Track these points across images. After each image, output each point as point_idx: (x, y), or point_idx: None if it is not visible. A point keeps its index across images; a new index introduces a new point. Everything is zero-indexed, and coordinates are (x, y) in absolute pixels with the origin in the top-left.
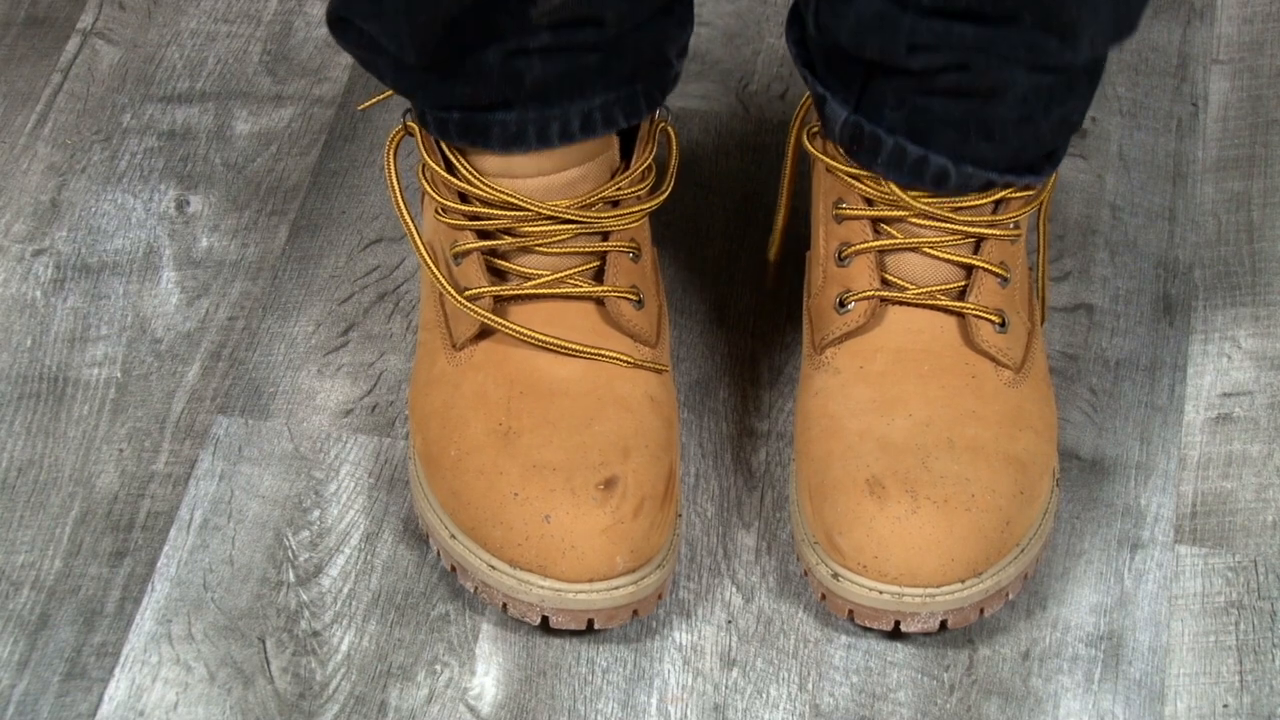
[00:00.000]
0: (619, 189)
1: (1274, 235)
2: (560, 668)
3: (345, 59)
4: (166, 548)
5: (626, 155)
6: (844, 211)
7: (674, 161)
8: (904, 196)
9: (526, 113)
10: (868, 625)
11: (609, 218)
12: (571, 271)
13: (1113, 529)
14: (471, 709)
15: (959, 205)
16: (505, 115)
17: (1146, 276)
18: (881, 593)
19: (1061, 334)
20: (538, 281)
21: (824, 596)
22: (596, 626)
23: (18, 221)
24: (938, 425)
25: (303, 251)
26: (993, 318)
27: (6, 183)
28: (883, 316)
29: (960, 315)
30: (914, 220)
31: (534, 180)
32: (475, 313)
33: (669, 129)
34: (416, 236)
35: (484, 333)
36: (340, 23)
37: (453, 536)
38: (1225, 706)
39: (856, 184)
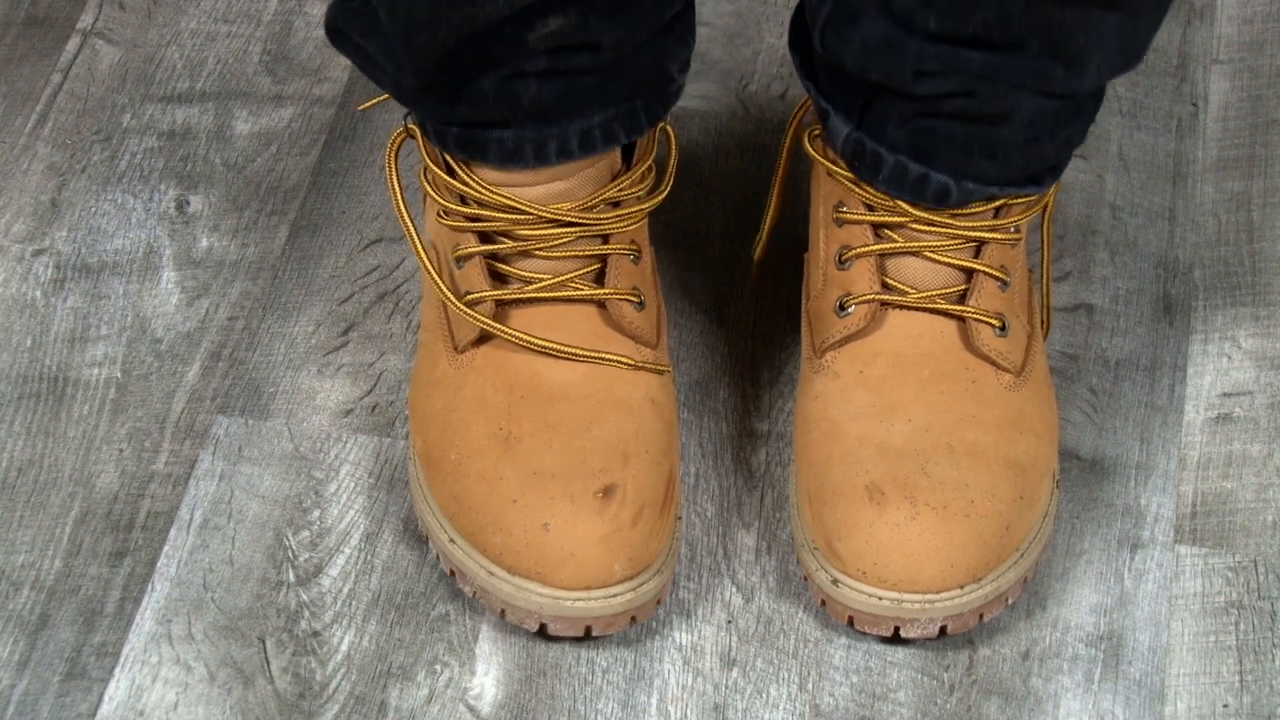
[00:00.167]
0: (620, 190)
1: (1274, 235)
2: (560, 668)
3: (345, 59)
4: (166, 548)
5: (627, 156)
6: (844, 215)
7: (673, 161)
8: (904, 205)
9: (524, 131)
10: (867, 631)
11: (610, 219)
12: (573, 274)
13: (1113, 529)
14: (471, 709)
15: (959, 212)
16: (503, 134)
17: (1146, 276)
18: (881, 599)
19: (1061, 334)
20: (539, 285)
21: (824, 602)
22: (594, 633)
23: (18, 221)
24: (937, 430)
25: (303, 251)
26: (993, 321)
27: (6, 183)
28: (882, 320)
29: (960, 319)
30: (915, 225)
31: (534, 188)
32: (475, 319)
33: (668, 129)
34: (417, 240)
35: (485, 336)
36: (337, 34)
37: (452, 541)
38: (1225, 706)
39: (857, 189)
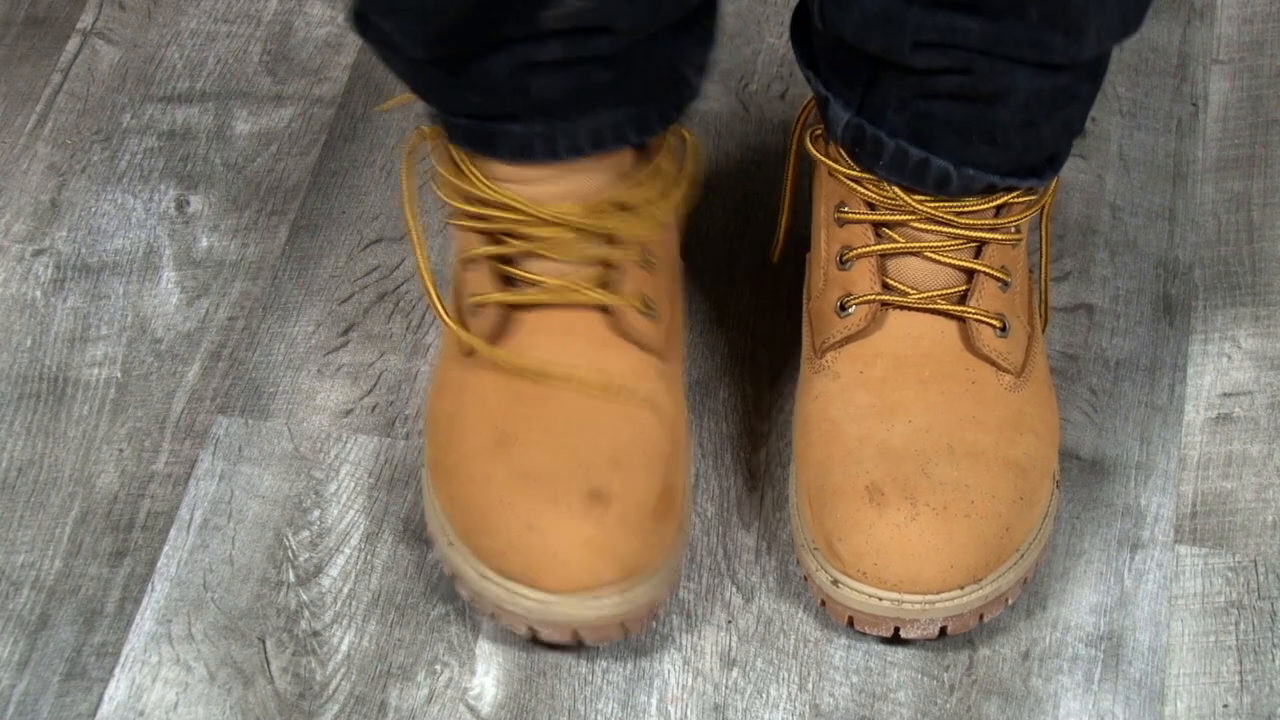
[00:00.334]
0: (628, 193)
1: (1274, 235)
2: (560, 668)
3: (345, 59)
4: (166, 548)
5: (642, 160)
6: (846, 215)
7: (693, 168)
8: (908, 200)
9: (534, 125)
10: (867, 631)
11: (616, 223)
12: (580, 279)
13: (1113, 529)
14: (471, 709)
15: (961, 209)
16: (513, 127)
17: (1146, 276)
18: (881, 599)
19: (1061, 334)
20: (544, 289)
21: (824, 602)
22: (584, 641)
23: (18, 221)
24: (937, 431)
25: (303, 251)
26: (993, 322)
27: (6, 183)
28: (883, 321)
29: (961, 320)
30: (916, 224)
31: (542, 186)
32: (465, 337)
33: (686, 135)
34: (420, 249)
35: (493, 337)
36: (359, 19)
37: (450, 544)
38: (1225, 706)
39: (858, 188)
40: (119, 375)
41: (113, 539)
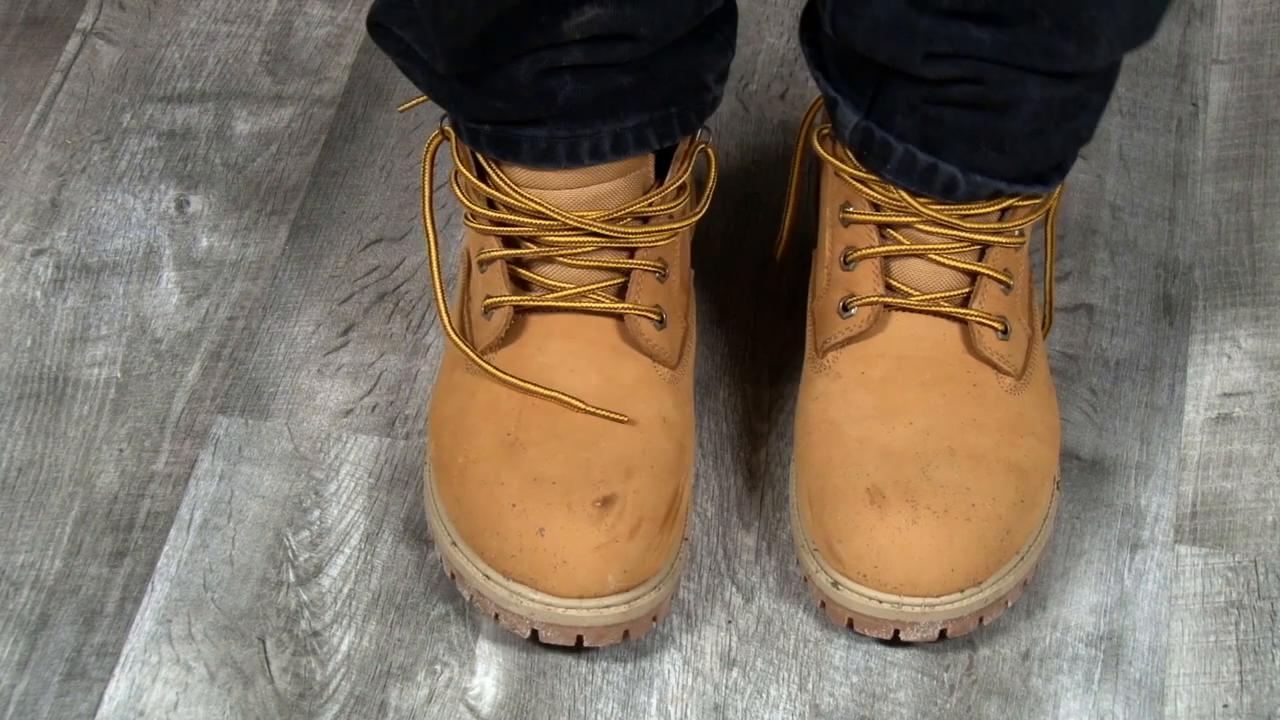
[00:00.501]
0: (650, 205)
1: (1274, 235)
2: (560, 668)
3: (345, 59)
4: (166, 548)
5: (663, 172)
6: (851, 215)
7: (711, 183)
8: (912, 203)
9: (557, 130)
10: (867, 633)
11: (635, 234)
12: (594, 286)
13: (1113, 529)
14: (471, 709)
15: (966, 212)
16: (536, 132)
17: (1146, 276)
18: (881, 602)
19: (1061, 334)
20: (560, 294)
21: (824, 604)
22: (586, 644)
23: (18, 221)
24: (938, 433)
25: (303, 251)
26: (995, 325)
27: (6, 183)
28: (886, 322)
29: (963, 322)
30: (920, 226)
31: (564, 192)
32: (467, 353)
33: (709, 150)
34: (436, 258)
35: (503, 341)
36: (379, 29)
37: (454, 544)
38: (1225, 706)
39: (864, 188)
40: (119, 375)
41: (113, 539)
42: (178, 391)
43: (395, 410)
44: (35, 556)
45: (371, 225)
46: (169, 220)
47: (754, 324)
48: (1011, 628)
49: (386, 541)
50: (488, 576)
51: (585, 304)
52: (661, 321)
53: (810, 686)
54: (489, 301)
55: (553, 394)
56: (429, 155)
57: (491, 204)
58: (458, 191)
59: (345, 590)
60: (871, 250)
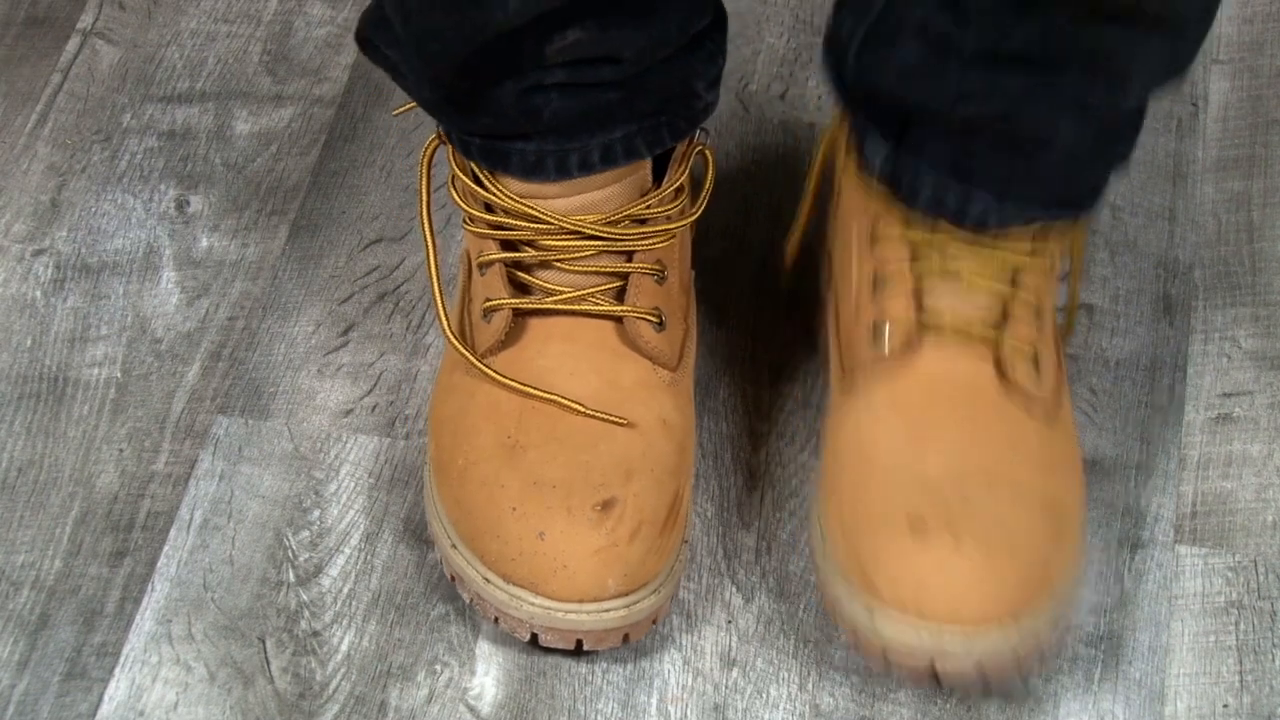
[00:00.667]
0: (647, 208)
1: (1274, 235)
2: (560, 668)
3: (345, 59)
4: (166, 548)
5: (660, 174)
6: (881, 236)
7: (709, 184)
8: (945, 226)
9: (545, 144)
10: (902, 663)
11: (633, 236)
12: (593, 290)
13: (1113, 529)
14: (471, 709)
15: (1000, 235)
16: (524, 146)
17: (1146, 276)
18: (920, 631)
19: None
20: (558, 298)
21: (854, 632)
22: (585, 648)
23: (18, 221)
24: (976, 462)
25: (303, 251)
26: (1028, 353)
27: (6, 183)
28: (918, 347)
29: (995, 349)
30: (953, 249)
31: (559, 200)
32: (467, 357)
33: (707, 151)
34: (434, 261)
35: (503, 344)
36: (366, 43)
37: (453, 546)
38: (1225, 706)
39: (896, 210)
40: (119, 375)
41: (113, 539)
42: (178, 391)
43: (395, 410)
44: (35, 556)
45: (371, 225)
46: (169, 220)
47: (754, 324)
48: None
49: (386, 541)
50: (487, 579)
51: (584, 307)
52: (661, 324)
53: (810, 686)
54: (488, 304)
55: (552, 397)
56: (426, 160)
57: (489, 208)
58: (455, 196)
59: (345, 590)
60: (903, 271)
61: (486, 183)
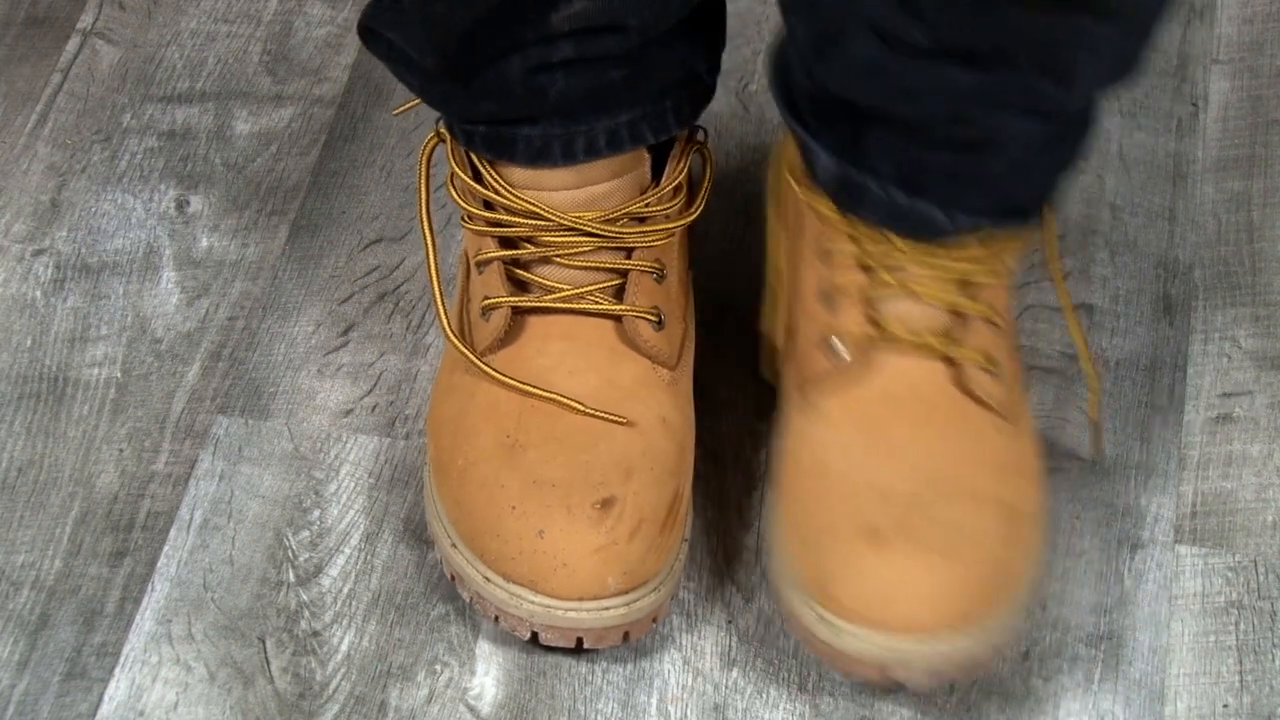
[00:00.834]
0: (646, 206)
1: (1274, 235)
2: (560, 668)
3: (345, 59)
4: (166, 548)
5: (659, 174)
6: (831, 252)
7: (707, 183)
8: (894, 238)
9: (551, 128)
10: (857, 674)
11: (632, 234)
12: (592, 287)
13: (1113, 529)
14: (471, 709)
15: (950, 249)
16: (530, 130)
17: (1146, 276)
18: (875, 642)
19: (1062, 334)
20: (557, 295)
21: (809, 642)
22: (586, 646)
23: (18, 221)
24: (933, 472)
25: (303, 251)
26: (984, 363)
27: (6, 183)
28: (871, 359)
29: (951, 360)
30: (903, 262)
31: (560, 194)
32: (467, 355)
33: (705, 150)
34: (434, 260)
35: (502, 342)
36: (369, 33)
37: (453, 546)
38: (1225, 706)
39: (845, 226)
40: (119, 375)
41: (113, 539)
42: (178, 391)
43: (395, 410)
44: (35, 556)
45: (371, 225)
46: (169, 220)
47: (754, 324)
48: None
49: (386, 541)
50: (488, 579)
51: (583, 305)
52: (660, 322)
53: (810, 686)
54: (487, 303)
55: (552, 396)
56: (424, 159)
57: (488, 205)
58: (454, 194)
59: (345, 590)
60: (853, 285)
61: (486, 178)
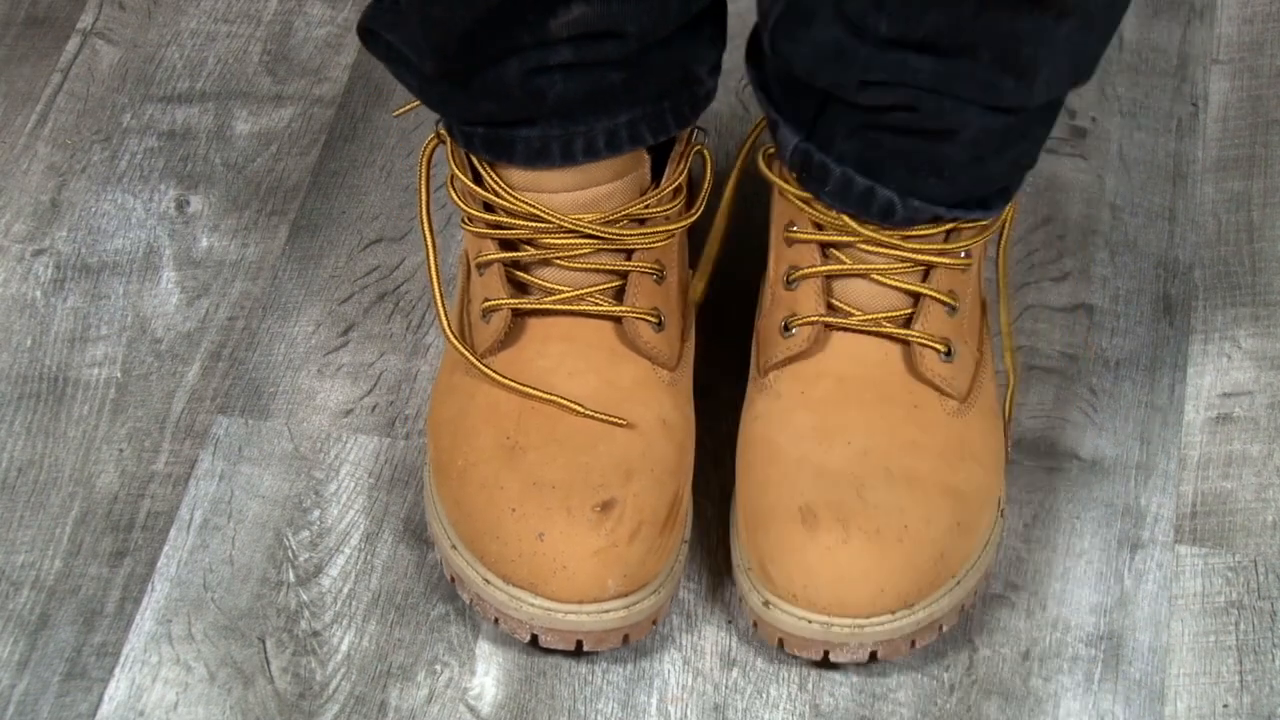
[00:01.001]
0: (646, 207)
1: (1274, 235)
2: (560, 668)
3: (345, 59)
4: (166, 548)
5: (659, 175)
6: (794, 235)
7: (707, 184)
8: (851, 224)
9: (550, 129)
10: (797, 654)
11: (632, 236)
12: (592, 289)
13: (1113, 529)
14: (471, 709)
15: (908, 233)
16: (529, 131)
17: (1146, 276)
18: (810, 622)
19: (1061, 334)
20: (557, 297)
21: (755, 624)
22: (585, 648)
23: (18, 221)
24: (876, 454)
25: (303, 251)
26: (938, 346)
27: (6, 183)
28: (827, 342)
29: (905, 343)
30: (863, 247)
31: (560, 195)
32: (466, 356)
33: (705, 151)
34: (434, 262)
35: (502, 344)
36: (368, 34)
37: (453, 547)
38: (1225, 706)
39: (806, 208)
40: (119, 375)
41: (113, 539)
42: (178, 391)
43: (395, 410)
44: (35, 556)
45: (371, 225)
46: (169, 220)
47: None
48: (1011, 627)
49: (386, 541)
50: (487, 581)
51: (583, 307)
52: (660, 324)
53: (810, 686)
54: (487, 304)
55: (552, 398)
56: (424, 160)
57: (488, 207)
58: (454, 196)
59: (345, 590)
60: (813, 270)
61: (486, 180)
